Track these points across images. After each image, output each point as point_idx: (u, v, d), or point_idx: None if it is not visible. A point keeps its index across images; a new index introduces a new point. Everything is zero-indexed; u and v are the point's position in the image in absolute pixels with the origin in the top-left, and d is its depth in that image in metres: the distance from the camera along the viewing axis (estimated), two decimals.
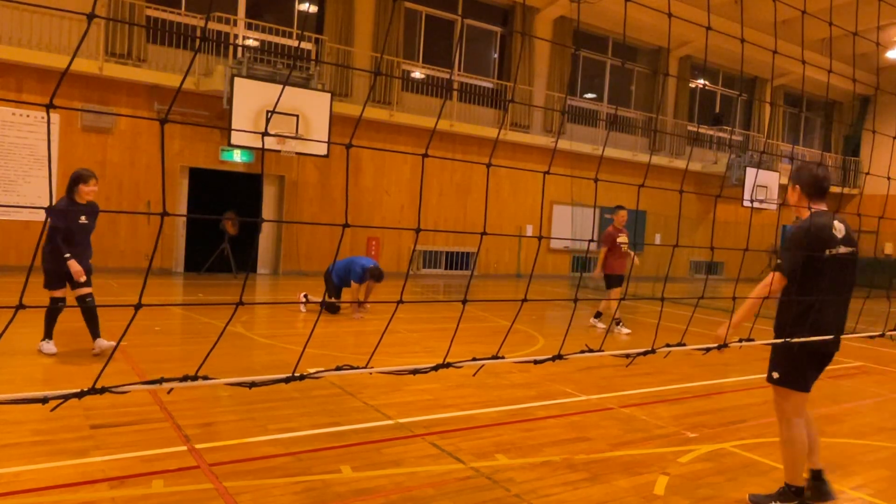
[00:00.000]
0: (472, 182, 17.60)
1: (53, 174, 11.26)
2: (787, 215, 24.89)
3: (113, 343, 6.37)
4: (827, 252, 3.32)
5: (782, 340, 3.54)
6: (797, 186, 3.52)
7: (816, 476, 3.57)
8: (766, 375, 3.55)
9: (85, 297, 6.12)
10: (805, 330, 3.30)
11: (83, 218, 6.10)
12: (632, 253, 9.60)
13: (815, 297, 3.31)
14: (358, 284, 9.29)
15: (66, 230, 5.97)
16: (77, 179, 6.04)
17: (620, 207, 9.81)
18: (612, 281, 9.63)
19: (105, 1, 12.85)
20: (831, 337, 3.35)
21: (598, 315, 9.91)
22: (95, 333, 6.23)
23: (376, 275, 9.21)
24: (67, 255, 5.85)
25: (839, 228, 3.39)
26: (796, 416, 3.41)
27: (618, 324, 9.65)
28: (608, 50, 20.52)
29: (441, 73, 17.64)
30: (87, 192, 6.05)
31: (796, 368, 3.39)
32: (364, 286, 9.45)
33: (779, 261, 3.41)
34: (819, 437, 3.61)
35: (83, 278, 5.97)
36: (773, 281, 3.34)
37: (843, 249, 3.37)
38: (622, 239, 9.47)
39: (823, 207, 3.47)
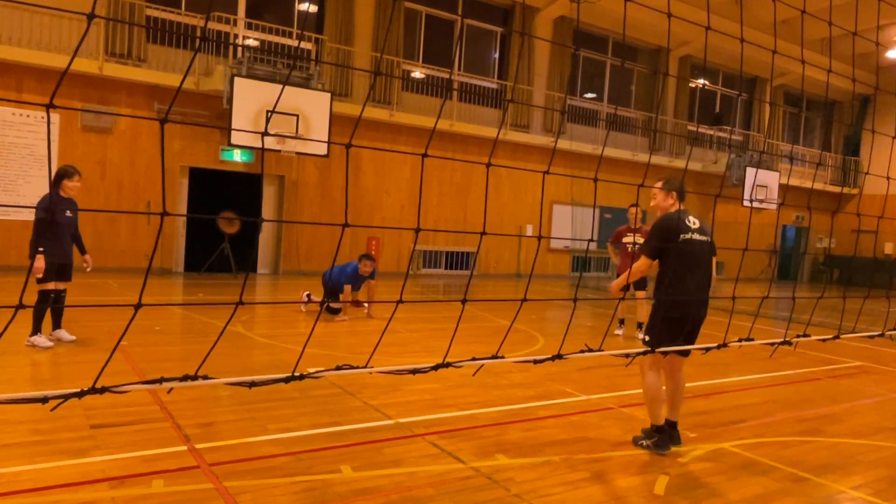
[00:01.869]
0: (472, 182, 17.60)
1: (53, 174, 11.25)
2: (787, 215, 24.90)
3: (73, 336, 6.58)
4: (681, 237, 4.29)
5: (782, 341, 3.56)
6: (673, 192, 4.52)
7: (671, 425, 4.41)
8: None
9: (60, 293, 6.36)
10: (664, 298, 4.25)
11: (68, 212, 6.35)
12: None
13: (672, 272, 4.26)
14: (350, 288, 9.26)
15: (55, 224, 6.19)
16: (62, 175, 6.28)
17: (633, 205, 9.46)
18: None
19: (105, 1, 12.86)
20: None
21: (640, 326, 9.14)
22: (57, 325, 6.56)
23: (368, 255, 9.34)
24: (41, 248, 6.03)
25: (693, 221, 4.41)
26: (651, 370, 4.34)
27: (621, 323, 9.57)
28: (608, 50, 20.52)
29: (441, 73, 17.64)
30: (70, 188, 6.31)
31: (657, 333, 4.22)
32: (362, 287, 9.46)
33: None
34: (681, 396, 4.47)
35: (39, 275, 6.12)
36: (640, 261, 4.42)
37: (696, 236, 4.34)
38: (628, 238, 9.00)
39: (683, 207, 4.52)
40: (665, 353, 4.21)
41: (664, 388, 4.42)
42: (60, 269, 6.34)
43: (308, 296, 9.78)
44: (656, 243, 4.34)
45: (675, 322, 4.22)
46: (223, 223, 13.69)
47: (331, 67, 15.10)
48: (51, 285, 6.26)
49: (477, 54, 18.39)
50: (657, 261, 4.38)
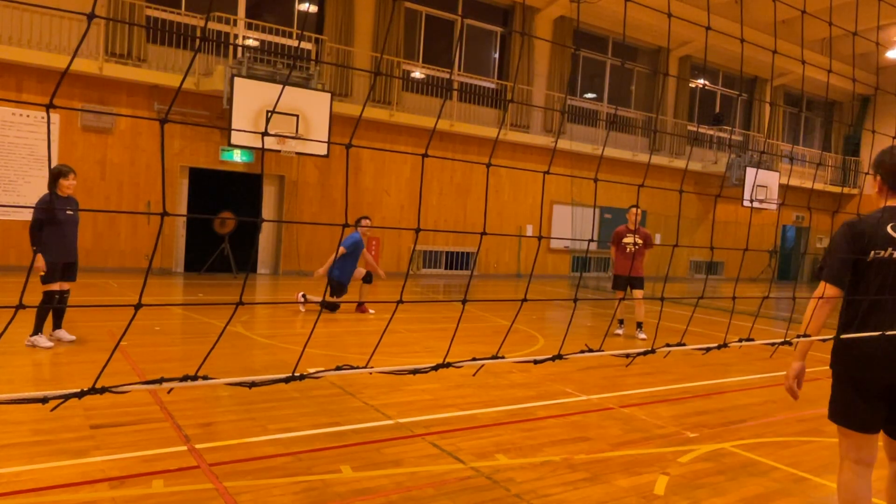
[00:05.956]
0: (472, 182, 17.60)
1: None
2: (787, 215, 24.89)
3: (73, 336, 6.58)
4: (871, 253, 2.86)
5: (783, 341, 3.54)
6: (878, 176, 3.07)
7: None
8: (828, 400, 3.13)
9: (63, 293, 6.39)
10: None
11: (69, 210, 6.40)
12: (634, 248, 9.02)
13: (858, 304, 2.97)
14: (344, 249, 9.26)
15: (55, 223, 6.21)
16: (58, 175, 6.33)
17: (633, 206, 9.58)
18: (617, 282, 9.27)
19: (105, 1, 12.86)
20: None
21: (639, 326, 9.14)
22: (58, 325, 6.59)
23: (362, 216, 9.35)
24: (35, 248, 6.16)
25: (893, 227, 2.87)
26: (846, 459, 2.91)
27: (621, 323, 9.58)
28: (608, 50, 20.52)
29: (441, 73, 17.64)
30: (66, 186, 6.35)
31: (837, 397, 2.92)
32: (360, 259, 9.50)
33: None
34: None
35: (42, 273, 6.18)
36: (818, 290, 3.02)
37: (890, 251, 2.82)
38: (628, 239, 9.13)
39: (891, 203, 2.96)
40: (665, 354, 3.46)
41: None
42: (65, 269, 6.34)
43: (304, 296, 9.77)
44: (838, 261, 2.88)
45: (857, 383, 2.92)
46: (216, 223, 13.71)
47: (331, 67, 15.10)
48: (55, 286, 6.25)
49: (477, 54, 18.39)
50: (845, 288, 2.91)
